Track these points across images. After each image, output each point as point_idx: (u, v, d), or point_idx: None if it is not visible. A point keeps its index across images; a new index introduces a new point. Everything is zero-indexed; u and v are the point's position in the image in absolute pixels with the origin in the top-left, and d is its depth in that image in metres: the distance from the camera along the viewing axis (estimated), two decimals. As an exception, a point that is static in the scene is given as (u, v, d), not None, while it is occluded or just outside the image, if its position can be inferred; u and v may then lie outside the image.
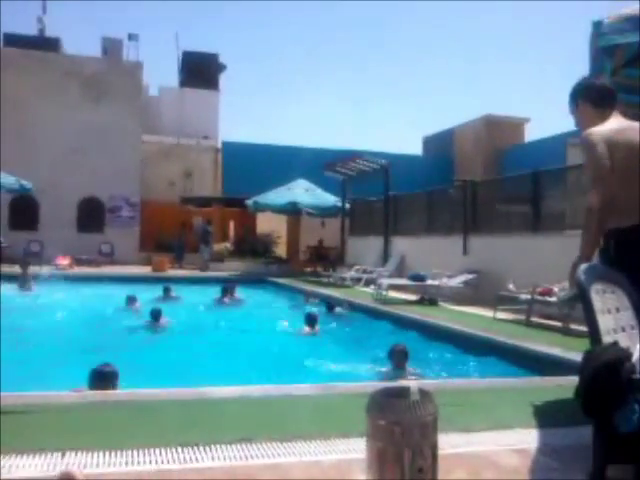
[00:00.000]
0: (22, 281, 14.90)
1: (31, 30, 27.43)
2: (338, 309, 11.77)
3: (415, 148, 32.70)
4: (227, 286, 14.15)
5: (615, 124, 3.63)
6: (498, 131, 26.72)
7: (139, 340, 9.31)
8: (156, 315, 10.26)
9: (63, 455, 3.36)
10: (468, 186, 14.50)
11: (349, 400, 4.58)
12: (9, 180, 18.61)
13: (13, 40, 25.98)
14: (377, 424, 1.44)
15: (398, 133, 57.88)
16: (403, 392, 1.49)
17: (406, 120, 63.09)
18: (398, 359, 6.42)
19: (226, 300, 13.72)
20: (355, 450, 3.54)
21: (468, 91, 63.24)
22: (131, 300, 12.33)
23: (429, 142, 32.02)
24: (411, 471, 1.43)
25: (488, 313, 10.20)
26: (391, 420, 1.44)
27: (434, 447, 1.61)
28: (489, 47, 67.06)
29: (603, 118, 3.66)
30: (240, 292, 14.90)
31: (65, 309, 11.87)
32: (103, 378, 4.99)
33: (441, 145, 30.11)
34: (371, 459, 1.41)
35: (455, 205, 14.94)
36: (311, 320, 9.75)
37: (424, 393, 1.50)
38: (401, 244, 16.83)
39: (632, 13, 3.23)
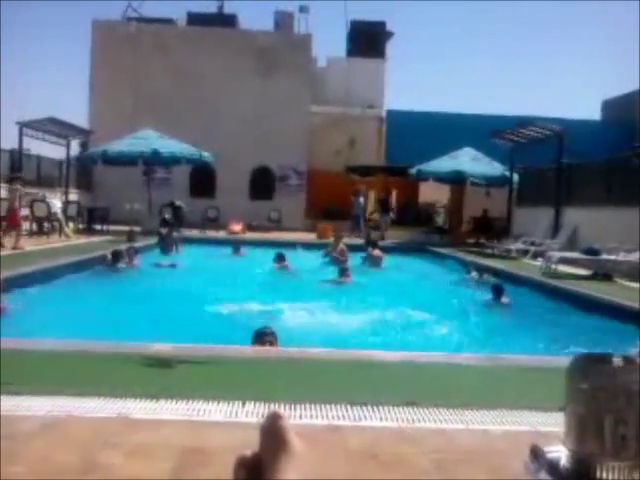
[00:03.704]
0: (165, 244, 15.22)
1: (211, 8, 29.03)
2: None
3: (593, 113, 30.49)
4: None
5: None
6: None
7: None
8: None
9: (243, 404, 3.65)
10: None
11: (517, 373, 4.51)
12: (190, 150, 20.03)
13: (195, 19, 27.76)
14: (579, 388, 1.41)
15: (573, 97, 54.07)
16: (606, 358, 1.45)
17: (583, 83, 58.76)
18: None
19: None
20: (524, 422, 3.50)
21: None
22: (279, 258, 12.70)
23: (610, 106, 29.62)
24: (613, 438, 1.40)
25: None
26: (594, 385, 1.40)
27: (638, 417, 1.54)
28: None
29: None
30: (402, 261, 15.00)
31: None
32: (262, 338, 5.27)
33: (624, 109, 27.71)
34: (570, 425, 1.39)
35: (637, 175, 13.79)
36: (498, 292, 9.47)
37: (629, 360, 1.44)
38: (574, 216, 15.86)
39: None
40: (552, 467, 1.70)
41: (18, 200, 13.80)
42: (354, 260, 13.73)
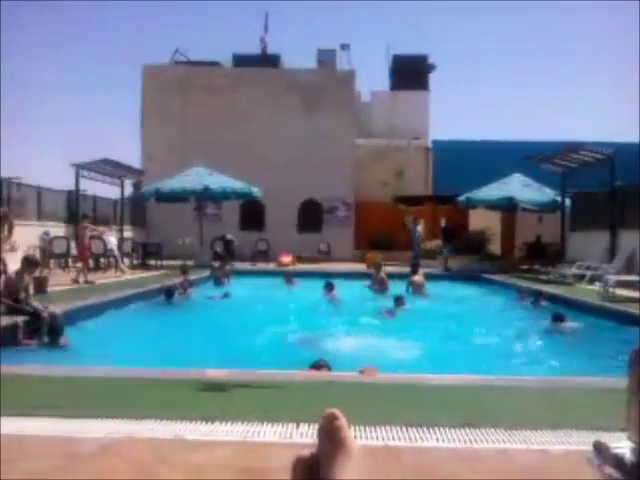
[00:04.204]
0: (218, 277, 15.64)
1: (255, 49, 29.75)
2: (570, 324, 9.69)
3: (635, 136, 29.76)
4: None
5: None
6: None
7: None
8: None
9: (297, 426, 3.65)
10: None
11: (575, 394, 4.39)
12: (240, 186, 20.39)
13: (240, 60, 28.50)
14: (640, 380, 1.38)
15: (616, 121, 52.74)
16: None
17: (625, 106, 57.43)
18: None
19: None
20: (586, 442, 3.37)
21: None
22: (329, 287, 12.80)
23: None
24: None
25: None
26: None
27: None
28: None
29: None
30: (455, 289, 14.86)
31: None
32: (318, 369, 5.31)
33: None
34: (633, 416, 1.35)
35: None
36: (558, 317, 9.30)
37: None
38: (630, 239, 15.41)
39: None
40: (617, 461, 1.66)
41: (87, 237, 14.41)
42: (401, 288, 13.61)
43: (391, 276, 14.69)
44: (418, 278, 14.16)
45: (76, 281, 12.85)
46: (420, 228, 21.79)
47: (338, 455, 0.99)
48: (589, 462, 1.23)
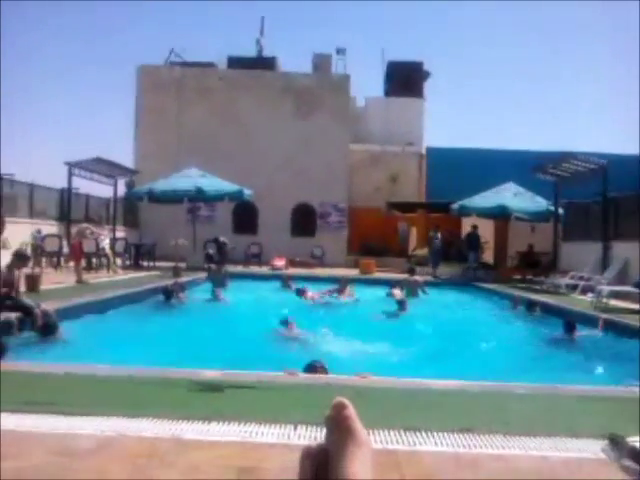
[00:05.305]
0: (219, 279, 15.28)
1: (251, 52, 29.73)
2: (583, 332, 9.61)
3: (630, 148, 30.02)
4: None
5: None
6: None
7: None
8: None
9: (295, 428, 3.62)
10: None
11: (577, 402, 4.39)
12: (233, 188, 20.37)
13: (235, 62, 28.48)
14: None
15: (611, 133, 53.22)
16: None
17: (620, 117, 57.86)
18: None
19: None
20: (586, 450, 3.37)
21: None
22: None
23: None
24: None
25: None
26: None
27: None
28: None
29: None
30: (448, 295, 14.85)
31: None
32: (314, 372, 5.28)
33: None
34: None
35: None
36: (570, 326, 9.30)
37: None
38: (623, 249, 15.49)
39: None
40: (635, 453, 1.65)
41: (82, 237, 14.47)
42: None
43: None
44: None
45: (80, 281, 12.72)
46: (439, 235, 21.55)
47: (348, 445, 0.97)
48: (605, 454, 1.23)
